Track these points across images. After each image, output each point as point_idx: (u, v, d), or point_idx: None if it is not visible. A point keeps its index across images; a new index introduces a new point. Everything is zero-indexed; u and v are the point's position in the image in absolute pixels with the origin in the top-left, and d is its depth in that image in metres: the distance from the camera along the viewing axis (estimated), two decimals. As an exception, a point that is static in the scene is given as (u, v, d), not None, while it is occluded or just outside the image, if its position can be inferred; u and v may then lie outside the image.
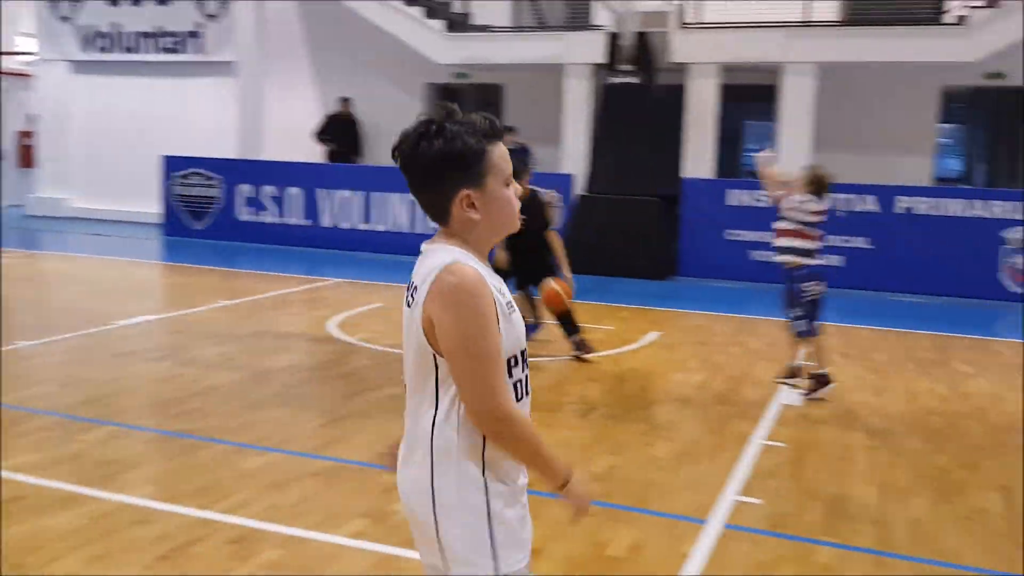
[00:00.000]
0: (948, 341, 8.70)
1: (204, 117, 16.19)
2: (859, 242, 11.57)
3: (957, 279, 11.16)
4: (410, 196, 12.64)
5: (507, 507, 2.01)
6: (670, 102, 12.81)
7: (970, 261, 11.13)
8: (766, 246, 12.06)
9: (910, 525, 4.36)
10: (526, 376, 2.10)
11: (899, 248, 11.39)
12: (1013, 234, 11.00)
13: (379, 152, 15.93)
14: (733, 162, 19.41)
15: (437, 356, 1.97)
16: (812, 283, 6.46)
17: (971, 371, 7.47)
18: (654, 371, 7.25)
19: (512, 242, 7.30)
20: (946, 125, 20.77)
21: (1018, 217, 10.97)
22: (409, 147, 1.98)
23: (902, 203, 11.43)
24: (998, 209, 11.10)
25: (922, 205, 11.39)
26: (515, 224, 2.08)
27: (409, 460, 2.07)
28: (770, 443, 5.49)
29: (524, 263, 7.40)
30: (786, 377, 6.76)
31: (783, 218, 6.55)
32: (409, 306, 2.02)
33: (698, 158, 12.74)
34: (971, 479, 5.00)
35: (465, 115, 2.00)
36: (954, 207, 11.29)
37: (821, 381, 6.44)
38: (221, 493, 4.43)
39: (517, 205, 2.07)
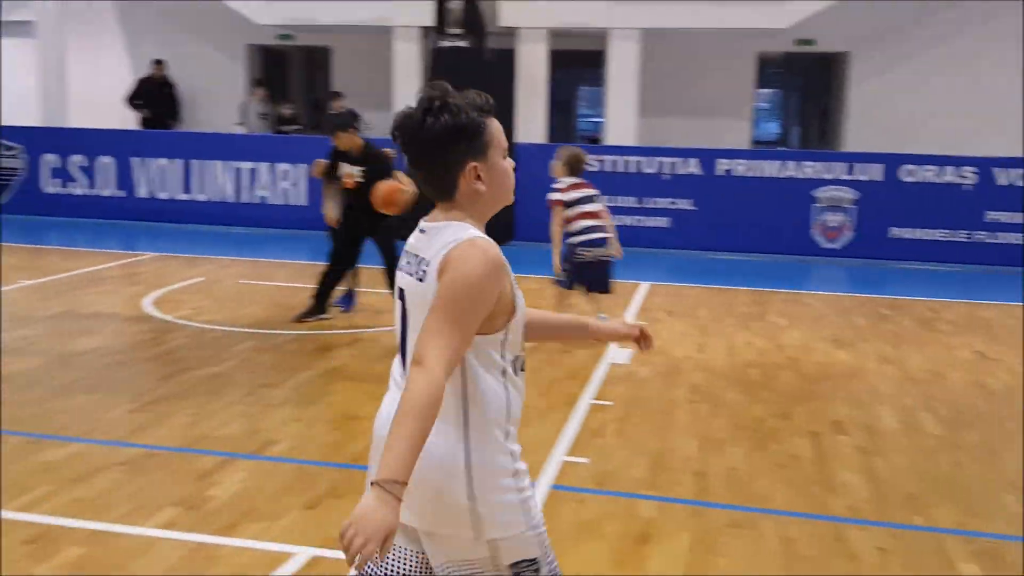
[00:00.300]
0: (766, 296, 9.15)
1: (2, 82, 14.83)
2: (684, 204, 11.97)
3: (773, 237, 11.76)
4: (235, 164, 11.98)
5: (520, 463, 2.08)
6: (501, 67, 12.77)
7: (785, 219, 11.76)
8: (597, 209, 12.31)
9: (727, 474, 4.53)
10: (524, 352, 2.14)
11: (720, 209, 11.88)
12: (823, 193, 11.68)
13: (199, 117, 15.11)
14: (567, 127, 19.73)
15: None
16: (586, 248, 6.85)
17: (786, 323, 7.88)
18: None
19: (353, 201, 7.22)
20: (764, 90, 21.93)
21: (828, 177, 11.65)
22: (415, 123, 2.01)
23: (722, 166, 11.90)
24: (809, 170, 11.74)
25: (740, 167, 11.89)
26: (512, 196, 2.12)
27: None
28: (598, 402, 5.58)
29: (363, 221, 7.23)
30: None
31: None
32: (422, 280, 2.03)
33: (530, 123, 12.79)
34: (784, 427, 5.26)
35: (460, 91, 2.04)
36: (770, 168, 11.86)
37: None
38: (17, 490, 4.05)
39: (513, 177, 2.11)
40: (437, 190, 2.07)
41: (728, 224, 11.86)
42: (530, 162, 12.23)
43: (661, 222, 12.06)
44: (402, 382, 2.05)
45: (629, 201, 12.06)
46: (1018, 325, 8.00)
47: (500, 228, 14.18)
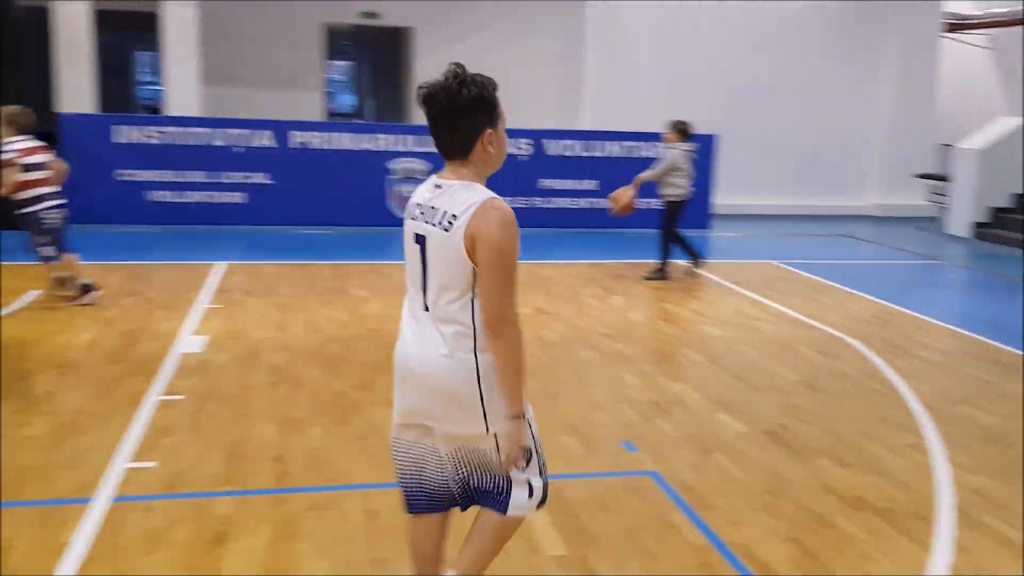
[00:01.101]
0: (347, 269, 9.16)
1: None
2: (259, 178, 11.56)
3: (352, 209, 11.84)
4: None
5: None
6: (32, 26, 11.19)
7: (362, 192, 11.89)
8: (163, 186, 11.40)
9: (307, 455, 4.40)
10: None
11: (297, 183, 11.66)
12: (398, 165, 11.99)
13: None
14: (125, 96, 18.03)
15: (475, 268, 2.48)
16: (52, 212, 7.06)
17: (367, 295, 7.94)
18: (32, 336, 6.30)
19: None
20: (338, 62, 22.00)
21: (401, 149, 11.98)
22: (450, 90, 2.45)
23: (297, 138, 11.67)
24: (383, 142, 11.97)
25: (315, 140, 11.76)
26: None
27: (440, 346, 2.56)
28: (168, 398, 5.11)
29: None
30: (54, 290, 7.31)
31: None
32: (447, 230, 2.47)
33: (76, 91, 11.42)
34: (365, 398, 5.25)
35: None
36: (345, 141, 11.88)
37: (86, 289, 7.14)
38: None
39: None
40: (458, 149, 2.54)
41: (306, 198, 11.70)
42: (78, 135, 10.96)
43: (235, 198, 11.53)
44: (419, 316, 2.62)
45: (198, 176, 11.36)
46: (572, 282, 8.91)
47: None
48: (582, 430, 4.90)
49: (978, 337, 7.26)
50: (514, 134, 12.23)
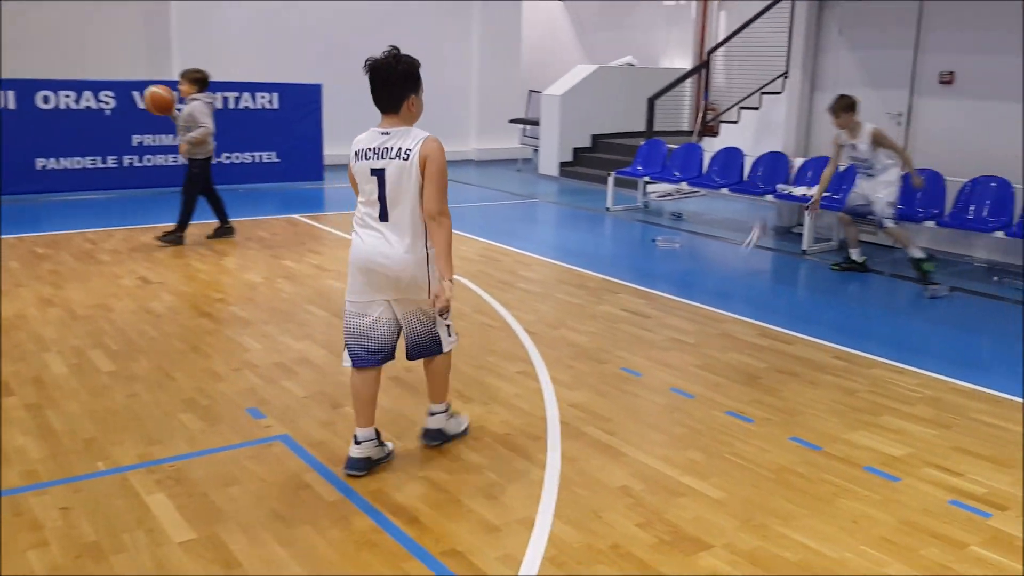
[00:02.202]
0: None
1: None
2: None
3: None
4: None
5: None
6: None
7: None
8: None
9: None
10: None
11: None
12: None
13: None
14: None
15: (423, 184, 3.67)
16: None
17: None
18: None
19: None
20: None
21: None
22: (389, 64, 3.68)
23: None
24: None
25: None
26: None
27: (400, 245, 3.73)
28: None
29: None
30: None
31: None
32: (406, 160, 3.65)
33: None
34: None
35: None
36: None
37: None
38: None
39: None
40: (389, 106, 3.71)
41: None
42: None
43: None
44: (378, 226, 3.74)
45: None
46: (177, 246, 8.33)
47: None
48: (202, 404, 4.63)
49: (568, 266, 8.06)
50: (94, 86, 11.06)
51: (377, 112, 3.77)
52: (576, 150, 14.73)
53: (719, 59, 13.49)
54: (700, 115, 13.66)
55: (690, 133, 13.64)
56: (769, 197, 9.87)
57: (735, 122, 12.20)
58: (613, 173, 11.58)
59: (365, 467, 3.88)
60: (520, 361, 5.42)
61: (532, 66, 17.00)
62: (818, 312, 7.07)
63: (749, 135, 11.69)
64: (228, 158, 11.97)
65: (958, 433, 4.51)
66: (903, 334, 6.43)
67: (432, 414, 4.19)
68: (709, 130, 13.14)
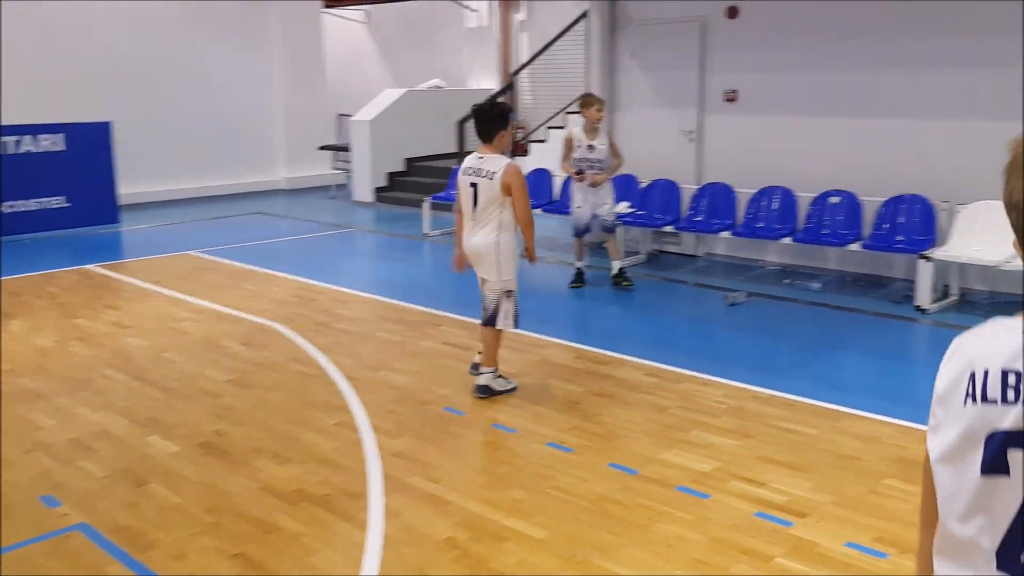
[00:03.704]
0: None
1: None
2: None
3: None
4: None
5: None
6: None
7: None
8: None
9: None
10: None
11: None
12: None
13: None
14: None
15: (505, 199, 5.26)
16: None
17: None
18: None
19: None
20: None
21: None
22: (487, 108, 5.46)
23: None
24: None
25: None
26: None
27: (480, 234, 5.33)
28: None
29: None
30: None
31: None
32: (491, 179, 5.23)
33: None
34: None
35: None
36: None
37: None
38: None
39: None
40: (488, 139, 5.37)
41: None
42: None
43: None
44: (470, 223, 5.40)
45: None
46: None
47: None
48: (-13, 497, 4.23)
49: (388, 300, 7.98)
50: None
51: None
52: (391, 175, 14.65)
53: (524, 80, 13.80)
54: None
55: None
56: (538, 211, 10.19)
57: (543, 141, 12.51)
58: (429, 198, 11.59)
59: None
60: (339, 411, 5.29)
61: (339, 89, 16.77)
62: (629, 328, 7.35)
63: (557, 154, 12.00)
64: (11, 207, 11.07)
65: (760, 442, 4.78)
66: (707, 344, 6.78)
67: (480, 374, 5.53)
68: (520, 149, 13.41)
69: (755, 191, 9.12)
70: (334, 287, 8.46)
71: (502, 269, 5.32)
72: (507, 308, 5.40)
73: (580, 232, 8.50)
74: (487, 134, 5.35)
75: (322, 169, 16.05)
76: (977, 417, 1.26)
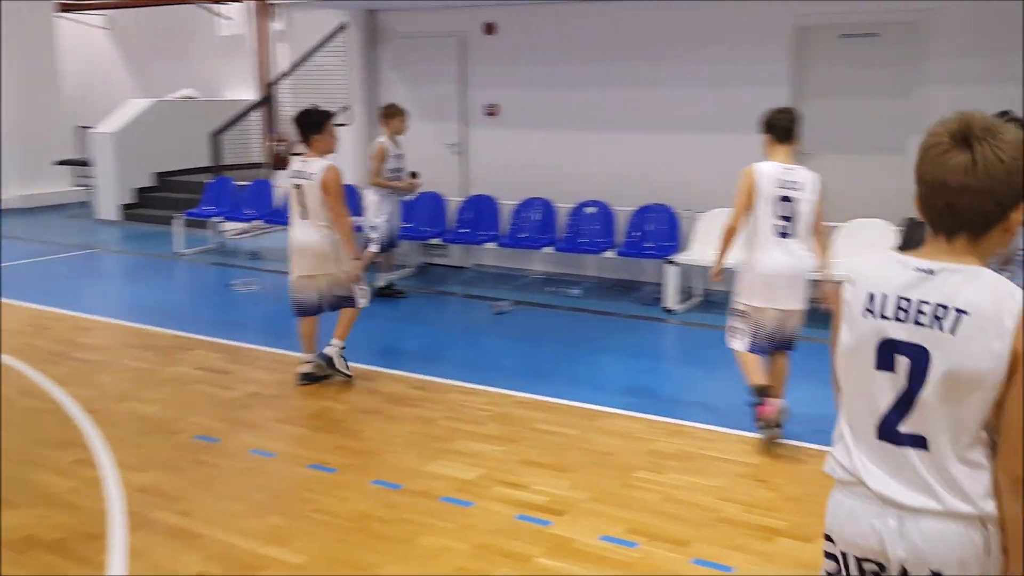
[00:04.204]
0: None
1: None
2: None
3: None
4: None
5: None
6: None
7: None
8: None
9: None
10: None
11: None
12: None
13: None
14: None
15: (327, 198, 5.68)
16: None
17: None
18: None
19: None
20: None
21: None
22: (308, 113, 5.79)
23: None
24: None
25: None
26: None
27: (315, 233, 5.69)
28: None
29: None
30: None
31: None
32: (312, 180, 5.53)
33: None
34: None
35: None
36: None
37: None
38: None
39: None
40: (309, 143, 5.67)
41: None
42: None
43: None
44: (306, 224, 5.59)
45: None
46: None
47: None
48: None
49: (135, 325, 7.42)
50: None
51: None
52: (139, 191, 13.69)
53: (285, 90, 13.40)
54: (271, 148, 13.46)
55: (260, 166, 13.38)
56: None
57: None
58: (182, 215, 10.94)
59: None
60: (76, 447, 4.82)
61: (78, 100, 15.50)
62: (396, 342, 7.28)
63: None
64: None
65: (523, 446, 4.87)
66: (474, 354, 6.86)
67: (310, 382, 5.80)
68: (281, 162, 12.98)
69: (518, 203, 9.38)
70: (74, 313, 7.75)
71: (339, 260, 5.67)
72: (360, 288, 5.83)
73: (387, 246, 8.33)
74: (309, 138, 5.61)
75: (60, 186, 14.76)
76: (873, 327, 1.78)
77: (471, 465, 4.60)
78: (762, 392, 4.74)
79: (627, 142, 9.03)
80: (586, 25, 9.08)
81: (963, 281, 1.70)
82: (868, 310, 1.79)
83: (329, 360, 5.82)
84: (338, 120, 11.24)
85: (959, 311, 1.69)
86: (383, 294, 8.27)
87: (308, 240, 5.63)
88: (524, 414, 5.36)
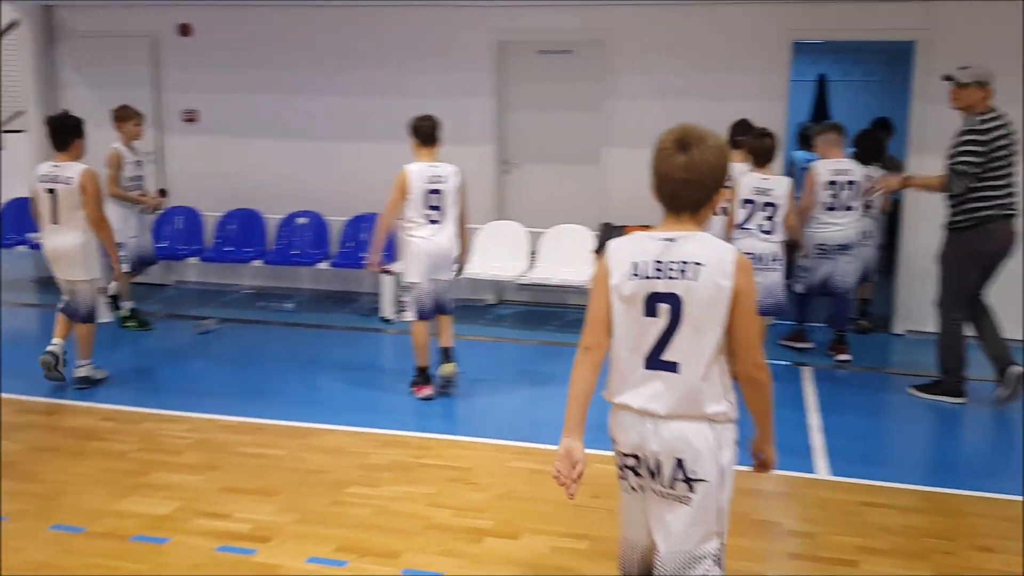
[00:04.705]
0: None
1: None
2: None
3: None
4: None
5: None
6: None
7: None
8: None
9: None
10: None
11: None
12: None
13: None
14: None
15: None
16: None
17: None
18: None
19: None
20: None
21: None
22: (62, 119, 5.79)
23: None
24: None
25: None
26: None
27: (67, 237, 5.70)
28: None
29: None
30: None
31: None
32: (68, 184, 5.59)
33: None
34: None
35: None
36: None
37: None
38: None
39: None
40: (63, 147, 5.73)
41: None
42: None
43: None
44: (57, 228, 5.65)
45: None
46: None
47: None
48: None
49: None
50: None
51: None
52: None
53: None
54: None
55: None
56: (22, 248, 8.96)
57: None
58: None
59: None
60: None
61: None
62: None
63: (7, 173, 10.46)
64: None
65: (225, 473, 4.58)
66: (173, 378, 6.37)
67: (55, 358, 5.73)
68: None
69: (222, 214, 8.90)
70: None
71: (90, 268, 5.67)
72: (101, 301, 5.84)
73: (138, 266, 7.52)
74: (63, 143, 5.68)
75: None
76: (640, 286, 2.34)
77: (166, 498, 4.24)
78: (423, 373, 5.76)
79: (339, 151, 8.87)
80: (289, 30, 8.82)
81: (695, 243, 2.33)
82: (634, 274, 2.34)
83: (88, 380, 5.89)
84: (10, 127, 10.10)
85: (697, 263, 2.30)
86: (127, 325, 7.46)
87: (61, 245, 5.69)
88: (228, 438, 5.05)
